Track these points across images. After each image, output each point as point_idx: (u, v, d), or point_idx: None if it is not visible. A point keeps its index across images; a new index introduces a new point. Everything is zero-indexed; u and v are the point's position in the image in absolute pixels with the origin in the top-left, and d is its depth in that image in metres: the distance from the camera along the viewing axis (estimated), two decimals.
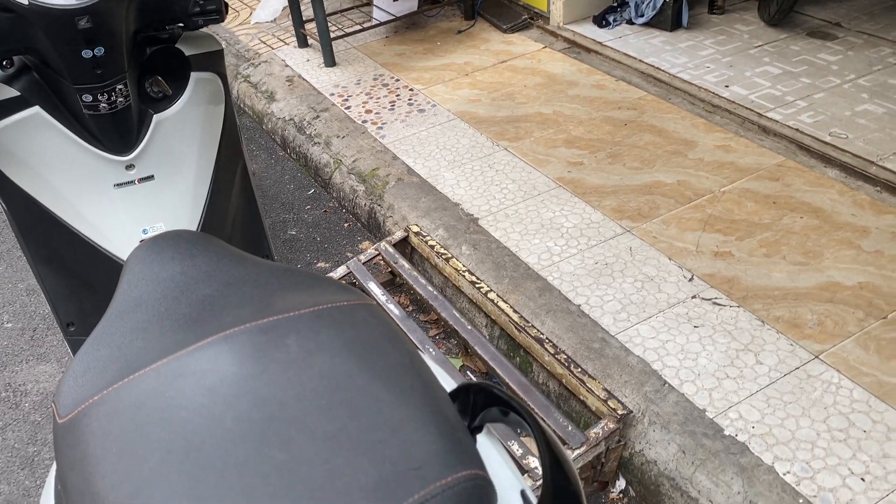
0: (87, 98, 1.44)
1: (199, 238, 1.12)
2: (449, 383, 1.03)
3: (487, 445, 0.88)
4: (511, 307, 2.24)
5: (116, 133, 1.51)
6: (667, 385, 1.93)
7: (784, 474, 1.68)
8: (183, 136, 1.62)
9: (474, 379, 2.25)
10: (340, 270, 2.53)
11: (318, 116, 3.33)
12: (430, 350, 2.24)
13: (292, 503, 0.65)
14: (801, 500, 1.63)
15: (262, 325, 0.87)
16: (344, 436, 0.71)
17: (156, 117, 1.60)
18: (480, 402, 0.85)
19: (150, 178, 1.59)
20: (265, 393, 0.77)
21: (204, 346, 0.84)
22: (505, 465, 0.86)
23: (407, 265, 2.51)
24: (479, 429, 0.87)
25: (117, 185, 1.57)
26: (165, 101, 1.59)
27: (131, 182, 1.58)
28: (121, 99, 1.47)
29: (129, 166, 1.57)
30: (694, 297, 2.19)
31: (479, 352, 2.19)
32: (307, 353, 0.82)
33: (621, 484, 1.93)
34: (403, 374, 0.80)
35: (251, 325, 0.87)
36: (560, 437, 1.90)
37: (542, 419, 1.96)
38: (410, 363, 0.83)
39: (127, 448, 0.73)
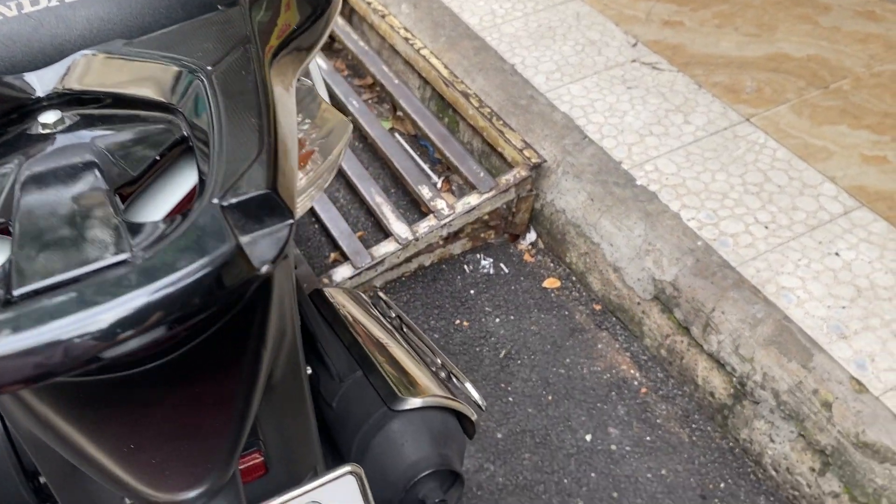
0: None
1: None
2: None
3: None
4: (443, 64, 2.13)
5: None
6: (587, 139, 1.85)
7: (688, 220, 1.64)
8: None
9: (404, 143, 2.18)
10: None
11: None
12: (354, 103, 2.14)
13: None
14: (699, 243, 1.60)
15: None
16: None
17: None
18: None
19: None
20: None
21: None
22: None
23: (342, 21, 2.36)
24: None
25: None
26: None
27: None
28: None
29: None
30: (634, 61, 2.07)
31: (405, 106, 2.10)
32: None
33: (531, 237, 1.90)
34: None
35: None
36: (472, 183, 1.84)
37: (458, 167, 1.90)
38: None
39: None
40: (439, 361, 1.03)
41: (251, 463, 0.59)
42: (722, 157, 1.78)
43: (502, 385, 1.60)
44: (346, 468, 0.62)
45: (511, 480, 1.45)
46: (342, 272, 1.71)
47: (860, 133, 1.81)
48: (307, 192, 0.67)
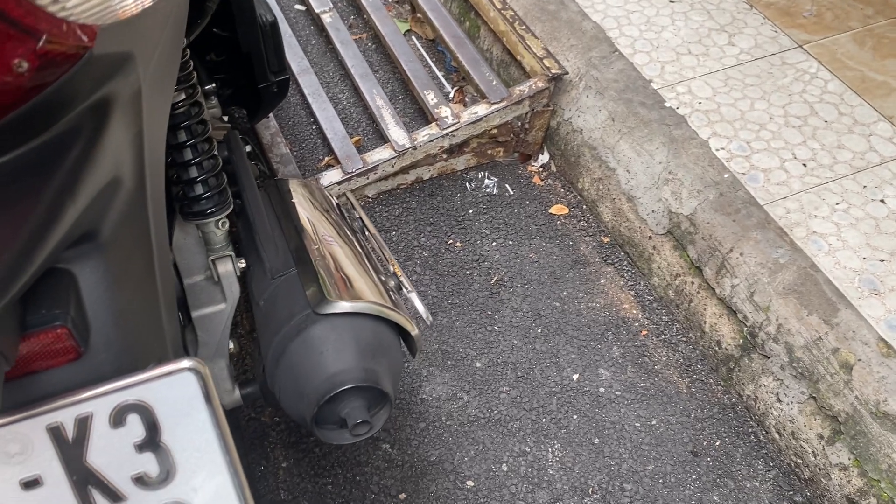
0: None
1: None
2: None
3: None
4: None
5: None
6: (617, 53, 1.66)
7: (717, 150, 1.46)
8: None
9: (420, 46, 2.00)
10: None
11: None
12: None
13: None
14: (726, 175, 1.42)
15: None
16: None
17: None
18: None
19: None
20: None
21: None
22: None
23: None
24: None
25: None
26: None
27: None
28: None
29: None
30: None
31: (423, 4, 1.91)
32: None
33: (544, 158, 1.73)
34: None
35: None
36: (483, 92, 1.67)
37: (470, 72, 1.73)
38: None
39: None
40: (392, 269, 0.89)
41: (54, 344, 0.47)
42: (765, 84, 1.57)
43: (489, 313, 1.46)
44: (185, 363, 0.49)
45: (485, 413, 1.32)
46: (331, 176, 1.58)
47: None
48: None
